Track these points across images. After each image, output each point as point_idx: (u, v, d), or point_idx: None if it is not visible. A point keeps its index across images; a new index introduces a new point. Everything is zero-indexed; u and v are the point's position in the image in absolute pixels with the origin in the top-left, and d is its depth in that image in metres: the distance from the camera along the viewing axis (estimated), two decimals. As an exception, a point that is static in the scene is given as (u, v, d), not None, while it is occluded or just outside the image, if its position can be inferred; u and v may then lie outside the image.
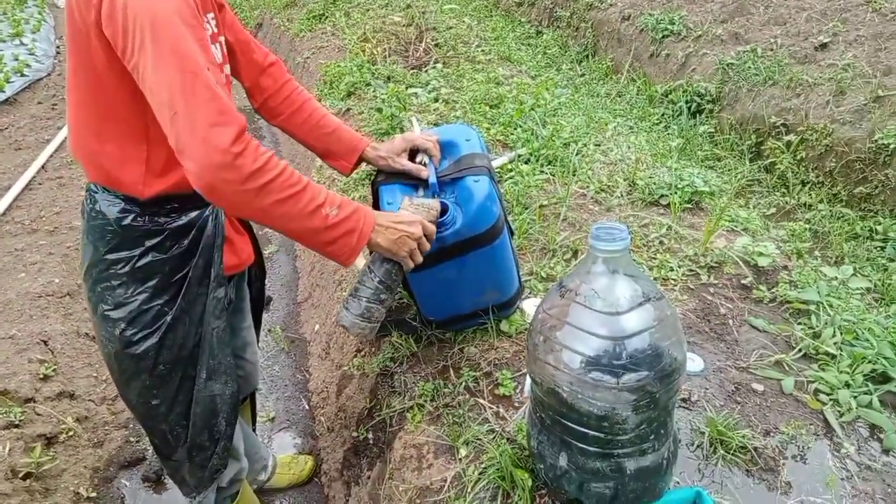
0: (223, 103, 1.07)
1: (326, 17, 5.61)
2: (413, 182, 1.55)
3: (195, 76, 1.05)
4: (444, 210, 1.47)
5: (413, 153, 1.61)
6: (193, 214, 1.33)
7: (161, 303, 1.32)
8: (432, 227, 1.41)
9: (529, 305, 1.85)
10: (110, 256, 1.29)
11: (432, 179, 1.52)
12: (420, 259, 1.39)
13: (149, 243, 1.29)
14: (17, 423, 2.04)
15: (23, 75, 6.56)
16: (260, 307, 1.80)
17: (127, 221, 1.27)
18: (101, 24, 1.09)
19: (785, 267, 2.10)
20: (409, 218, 1.36)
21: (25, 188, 3.69)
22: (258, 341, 1.86)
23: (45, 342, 2.43)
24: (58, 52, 7.78)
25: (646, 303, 1.13)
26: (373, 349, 2.06)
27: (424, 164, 1.57)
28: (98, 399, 2.36)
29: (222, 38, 1.40)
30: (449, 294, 1.65)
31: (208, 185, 1.07)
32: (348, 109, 3.78)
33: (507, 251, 1.60)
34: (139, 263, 1.29)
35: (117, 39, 1.08)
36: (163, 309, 1.32)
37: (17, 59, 6.99)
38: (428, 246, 1.40)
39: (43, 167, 4.04)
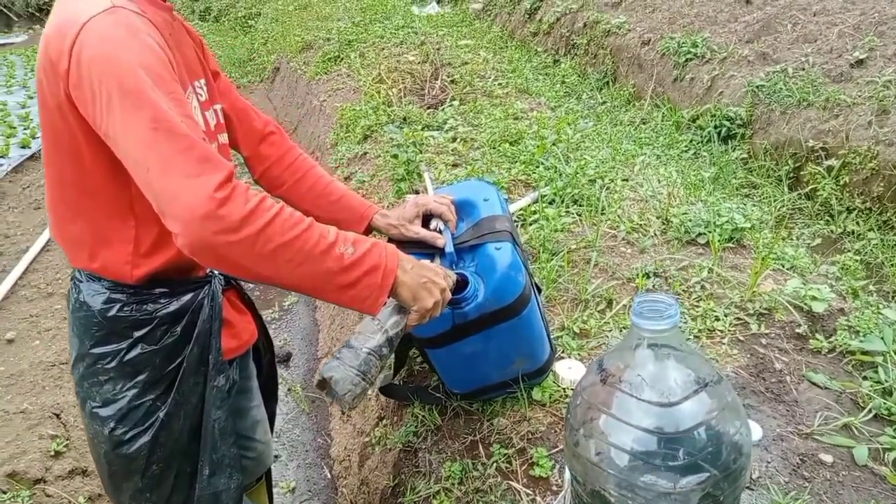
0: (203, 151, 0.95)
1: (341, 59, 5.60)
2: (429, 251, 1.42)
3: (167, 126, 0.94)
4: (464, 283, 1.33)
5: (427, 218, 1.48)
6: (186, 298, 1.21)
7: (153, 398, 1.20)
8: (448, 295, 1.26)
9: (562, 368, 1.69)
10: (96, 350, 1.18)
11: (449, 248, 1.39)
12: (438, 314, 1.21)
13: (137, 334, 1.17)
14: (23, 508, 1.94)
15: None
16: (273, 383, 1.67)
17: (112, 312, 1.16)
18: (71, 97, 1.01)
19: (841, 310, 1.91)
20: (432, 265, 1.22)
21: (43, 250, 3.66)
22: (274, 417, 1.72)
23: (57, 415, 2.33)
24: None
25: (702, 389, 0.97)
26: (395, 418, 1.92)
27: (440, 231, 1.44)
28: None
29: (217, 106, 1.30)
30: (474, 368, 1.50)
31: (197, 244, 0.92)
32: (365, 153, 3.69)
33: (535, 319, 1.45)
34: (127, 357, 1.17)
35: (87, 107, 0.99)
36: (155, 404, 1.20)
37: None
38: (444, 308, 1.24)
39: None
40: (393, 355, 1.73)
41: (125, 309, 1.16)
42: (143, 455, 1.21)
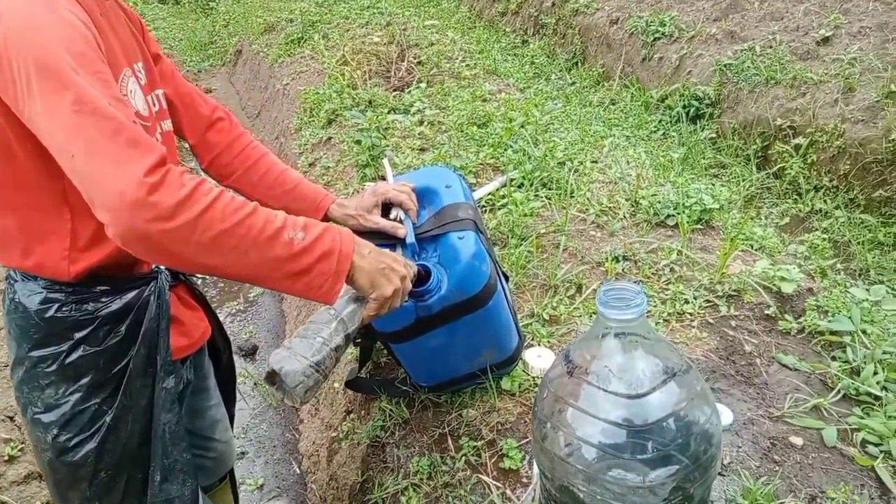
0: (132, 133, 0.87)
1: (305, 41, 5.46)
2: (389, 242, 1.36)
3: (91, 108, 0.86)
4: (427, 274, 1.28)
5: (386, 207, 1.42)
6: (131, 296, 1.14)
7: (98, 401, 1.13)
8: (409, 285, 1.20)
9: (532, 356, 1.66)
10: (35, 354, 1.11)
11: (410, 239, 1.33)
12: (399, 304, 1.15)
13: (78, 335, 1.10)
14: (-26, 517, 1.85)
15: None
16: (232, 380, 1.61)
17: (50, 313, 1.08)
18: None
19: (810, 290, 1.91)
20: (391, 252, 1.15)
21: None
22: (233, 415, 1.66)
23: (10, 418, 2.23)
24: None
25: (670, 379, 0.94)
26: (363, 412, 1.87)
27: (400, 221, 1.38)
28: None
29: (159, 91, 1.22)
30: (441, 361, 1.46)
31: (129, 233, 0.85)
32: (329, 138, 3.60)
33: (502, 309, 1.41)
34: (68, 360, 1.10)
35: (7, 89, 0.90)
36: (101, 408, 1.13)
37: None
38: (405, 299, 1.19)
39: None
40: (358, 349, 1.68)
41: (64, 309, 1.09)
42: (89, 462, 1.14)
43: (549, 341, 1.75)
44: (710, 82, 4.07)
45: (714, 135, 3.91)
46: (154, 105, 1.20)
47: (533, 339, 1.76)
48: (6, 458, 2.08)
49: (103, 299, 1.11)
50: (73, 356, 1.10)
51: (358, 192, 2.76)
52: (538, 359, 1.64)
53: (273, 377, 1.02)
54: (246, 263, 0.93)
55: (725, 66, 4.01)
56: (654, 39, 4.73)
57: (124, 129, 0.87)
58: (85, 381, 1.11)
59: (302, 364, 1.00)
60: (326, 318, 1.07)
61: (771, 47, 3.91)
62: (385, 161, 1.94)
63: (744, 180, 3.41)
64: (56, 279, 1.08)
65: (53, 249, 1.06)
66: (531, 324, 1.81)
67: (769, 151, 3.56)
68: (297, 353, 1.02)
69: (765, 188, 3.41)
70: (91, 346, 1.10)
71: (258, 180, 1.39)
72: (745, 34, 4.22)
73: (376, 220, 1.38)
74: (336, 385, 2.14)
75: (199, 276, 1.33)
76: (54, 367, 1.10)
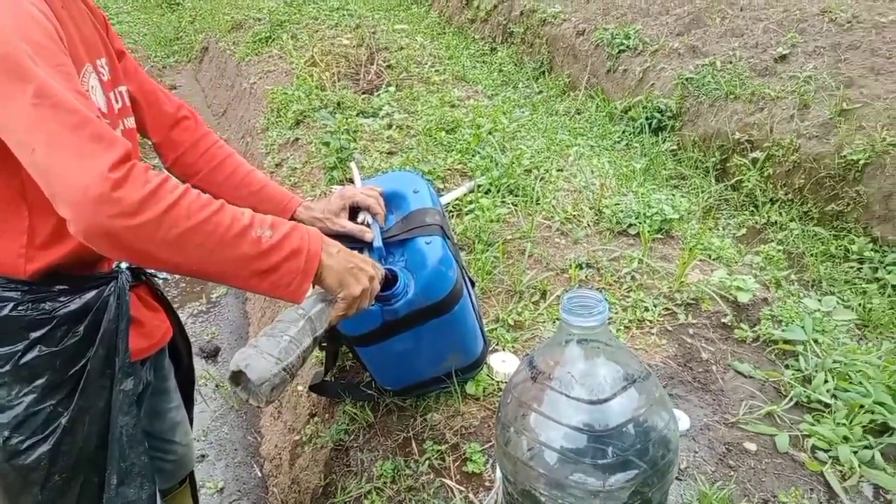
0: (96, 128, 0.86)
1: (273, 40, 5.40)
2: (356, 245, 1.36)
3: (52, 102, 0.84)
4: (394, 279, 1.28)
5: (354, 211, 1.42)
6: (90, 296, 1.11)
7: (53, 403, 1.10)
8: (377, 286, 1.20)
9: (496, 360, 1.67)
10: (-13, 354, 1.07)
11: (377, 243, 1.33)
12: (367, 305, 1.15)
13: (34, 335, 1.07)
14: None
15: None
16: (191, 385, 1.58)
17: (5, 312, 1.05)
18: None
19: (765, 300, 1.97)
20: (360, 254, 1.15)
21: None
22: (191, 418, 1.64)
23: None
24: None
25: (630, 385, 0.97)
26: (327, 416, 1.86)
27: (367, 224, 1.38)
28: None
29: (122, 88, 1.20)
30: (406, 365, 1.46)
31: (92, 229, 0.83)
32: (297, 139, 3.57)
33: (468, 314, 1.42)
34: (23, 360, 1.07)
35: None
36: (56, 410, 1.11)
37: None
38: (372, 301, 1.19)
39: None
40: (323, 352, 1.67)
41: (19, 308, 1.06)
42: (42, 465, 1.11)
43: (513, 346, 1.77)
44: (672, 95, 4.17)
45: (675, 146, 4.00)
46: (117, 102, 1.18)
47: (498, 344, 1.77)
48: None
49: (61, 299, 1.09)
50: (29, 356, 1.07)
51: (325, 194, 2.74)
52: (503, 364, 1.66)
53: (238, 377, 1.00)
54: (212, 261, 0.92)
55: (687, 79, 4.12)
56: (619, 52, 4.83)
57: (88, 122, 0.85)
58: (40, 382, 1.08)
59: (268, 362, 0.99)
60: (294, 317, 1.06)
61: (731, 63, 4.03)
62: (353, 164, 1.94)
63: (703, 192, 3.50)
64: (11, 277, 1.06)
65: (9, 247, 1.04)
66: (496, 329, 1.83)
67: (728, 164, 3.67)
68: (264, 352, 1.00)
69: (723, 200, 3.51)
70: (48, 346, 1.08)
71: (223, 180, 1.37)
72: (707, 49, 4.34)
73: (343, 224, 1.38)
74: (300, 388, 2.12)
75: (161, 276, 1.31)
76: (7, 367, 1.07)
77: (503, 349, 1.76)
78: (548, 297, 1.97)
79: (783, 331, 1.79)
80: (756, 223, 3.26)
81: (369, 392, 1.64)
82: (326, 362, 1.71)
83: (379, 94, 3.94)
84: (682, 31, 4.69)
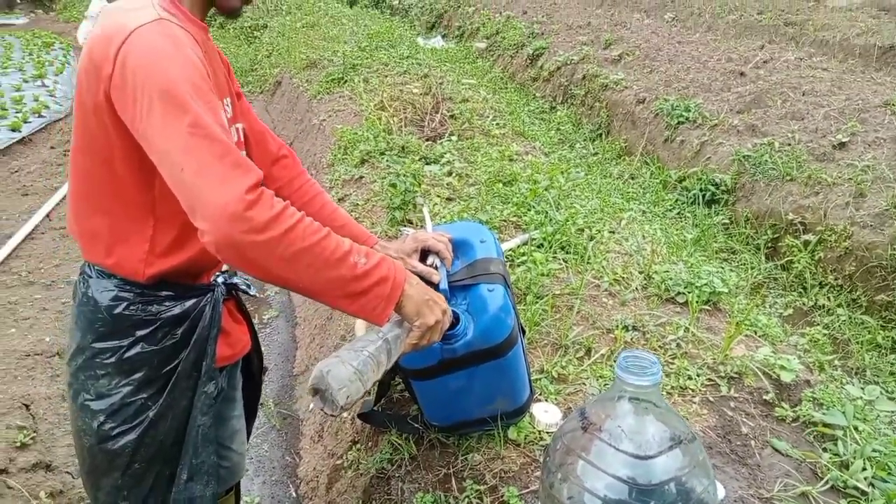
0: (236, 157, 1.01)
1: (345, 81, 5.68)
2: None
3: (204, 133, 1.00)
4: (455, 320, 1.38)
5: (424, 253, 1.53)
6: (190, 303, 1.25)
7: (145, 396, 1.23)
8: (448, 321, 1.30)
9: (539, 410, 1.74)
10: (97, 345, 1.21)
11: (443, 286, 1.44)
12: (438, 339, 1.26)
13: (139, 333, 1.21)
14: (-17, 497, 1.91)
15: (40, 116, 6.65)
16: (257, 397, 1.69)
17: (118, 310, 1.19)
18: (110, 99, 1.07)
19: (808, 382, 1.99)
20: (434, 290, 1.27)
21: (27, 237, 3.63)
22: (250, 430, 1.74)
23: (26, 406, 2.31)
24: (78, 95, 7.89)
25: (676, 446, 1.03)
26: (370, 444, 1.94)
27: (436, 267, 1.49)
28: (76, 472, 2.22)
29: (240, 125, 1.36)
30: (456, 402, 1.54)
31: (223, 241, 0.97)
32: (361, 177, 3.75)
33: (519, 361, 1.51)
34: (127, 354, 1.20)
35: (126, 109, 1.04)
36: (146, 403, 1.23)
37: (36, 100, 7.10)
38: (443, 334, 1.29)
39: (47, 216, 3.99)
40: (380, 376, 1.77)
41: (131, 308, 1.19)
42: (127, 452, 1.23)
43: (556, 398, 1.83)
44: (728, 170, 4.23)
45: (727, 221, 4.04)
46: (235, 137, 1.33)
47: (541, 395, 1.84)
48: (18, 444, 2.16)
49: (166, 303, 1.22)
50: (132, 352, 1.20)
51: (387, 233, 2.88)
52: (545, 413, 1.72)
53: (318, 383, 1.10)
54: (316, 279, 1.05)
55: (744, 157, 4.18)
56: (678, 123, 4.93)
57: (230, 152, 1.00)
58: (137, 376, 1.21)
59: (347, 371, 1.09)
60: (373, 338, 1.18)
61: (789, 145, 4.08)
62: (424, 210, 2.06)
63: (752, 268, 3.53)
64: (129, 279, 1.20)
65: (134, 252, 1.18)
66: (540, 379, 1.90)
67: (779, 243, 3.69)
68: (345, 361, 1.11)
69: (772, 278, 3.52)
70: (149, 344, 1.21)
71: (313, 214, 1.49)
72: (766, 129, 4.40)
73: (414, 264, 1.49)
74: (345, 415, 2.21)
75: (252, 292, 1.45)
76: (113, 359, 1.20)
77: (546, 400, 1.82)
78: (592, 355, 2.03)
79: (824, 414, 1.81)
80: (803, 305, 3.26)
81: (415, 425, 1.72)
82: (378, 392, 1.80)
83: (441, 142, 4.12)
84: (743, 109, 4.78)
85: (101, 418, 1.22)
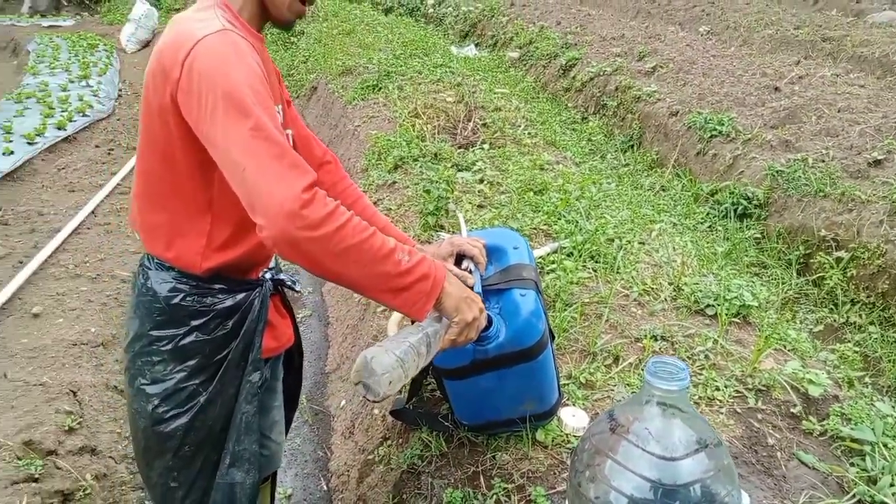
0: (294, 158, 1.09)
1: (380, 88, 5.78)
2: None
3: (264, 135, 1.08)
4: (488, 322, 1.44)
5: (459, 258, 1.60)
6: (241, 296, 1.33)
7: (197, 382, 1.31)
8: (484, 320, 1.36)
9: (567, 414, 1.78)
10: (155, 333, 1.29)
11: (477, 289, 1.49)
12: (473, 337, 1.32)
13: (194, 323, 1.29)
14: (36, 476, 2.01)
15: (84, 115, 6.86)
16: (298, 389, 1.77)
17: (176, 301, 1.27)
18: (176, 102, 1.15)
19: (836, 397, 2.00)
20: (470, 290, 1.33)
21: (74, 232, 3.78)
22: (290, 420, 1.81)
23: (73, 393, 2.42)
24: (119, 95, 8.14)
25: (702, 449, 1.07)
26: (400, 441, 2.00)
27: (470, 271, 1.55)
28: (118, 457, 2.32)
29: (289, 131, 1.43)
30: (486, 402, 1.60)
31: (280, 236, 1.04)
32: (394, 182, 3.83)
33: (549, 364, 1.56)
34: (182, 342, 1.29)
35: (192, 111, 1.12)
36: (198, 389, 1.31)
37: (81, 100, 7.33)
38: (479, 332, 1.35)
39: (93, 212, 4.14)
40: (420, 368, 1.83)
41: (188, 299, 1.28)
42: (178, 435, 1.31)
43: (584, 403, 1.87)
44: (761, 185, 4.22)
45: (759, 235, 4.03)
46: (285, 141, 1.41)
47: (569, 400, 1.88)
48: (66, 428, 2.26)
49: (219, 296, 1.30)
50: (187, 340, 1.28)
51: (419, 237, 2.95)
52: (573, 418, 1.77)
53: (361, 371, 1.17)
54: (363, 274, 1.12)
55: (777, 171, 4.17)
56: (711, 136, 4.93)
57: (288, 153, 1.08)
58: (191, 363, 1.30)
59: (390, 357, 1.16)
60: (414, 330, 1.25)
61: (823, 161, 4.06)
62: (459, 216, 2.13)
63: (783, 283, 3.52)
64: (187, 271, 1.28)
65: (192, 245, 1.27)
66: (568, 385, 1.94)
67: (810, 259, 3.67)
68: (388, 349, 1.18)
69: (803, 294, 3.51)
70: (202, 334, 1.29)
71: None
72: (800, 145, 4.38)
73: (449, 268, 1.55)
74: (375, 411, 2.28)
75: (297, 288, 1.53)
76: (169, 346, 1.28)
77: (573, 404, 1.86)
78: (620, 363, 2.07)
79: (852, 429, 1.81)
80: (834, 321, 3.24)
81: (445, 423, 1.78)
82: (410, 390, 1.86)
83: (473, 150, 4.18)
84: (777, 125, 4.76)
85: (156, 402, 1.30)
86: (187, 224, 1.27)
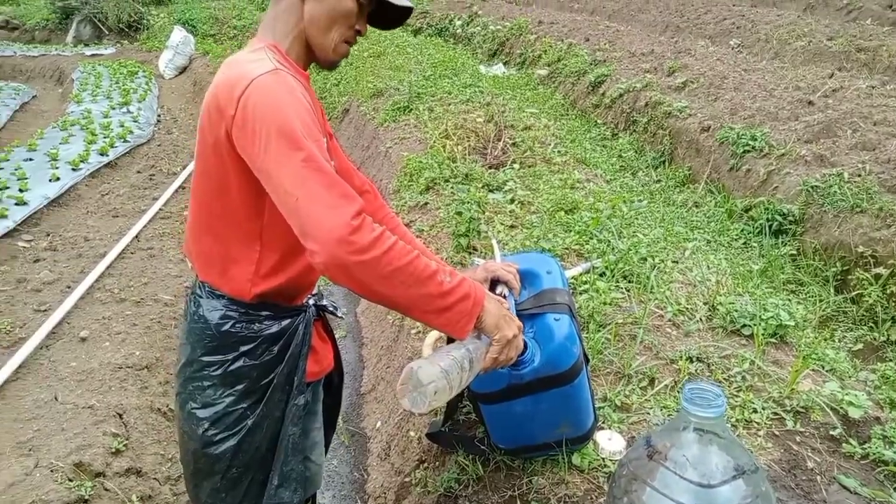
0: (343, 188, 1.15)
1: (410, 110, 5.87)
2: None
3: (315, 166, 1.14)
4: (523, 348, 1.47)
5: (493, 283, 1.63)
6: (286, 322, 1.38)
7: (245, 406, 1.36)
8: (521, 340, 1.39)
9: (603, 438, 1.79)
10: (205, 358, 1.35)
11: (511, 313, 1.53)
12: (513, 356, 1.36)
13: (243, 349, 1.35)
14: (86, 498, 2.08)
15: (125, 141, 7.10)
16: (337, 410, 1.81)
17: (226, 327, 1.33)
18: (231, 137, 1.21)
19: (877, 419, 1.97)
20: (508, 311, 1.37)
21: (118, 257, 3.91)
22: (329, 441, 1.85)
23: (120, 415, 2.50)
24: (158, 120, 8.40)
25: (740, 476, 1.08)
26: (437, 464, 2.02)
27: (504, 296, 1.58)
28: (162, 478, 2.39)
29: (332, 163, 1.49)
30: (522, 426, 1.62)
31: (331, 261, 1.10)
32: (426, 203, 3.89)
33: (584, 388, 1.57)
34: (231, 367, 1.34)
35: (246, 146, 1.19)
36: (245, 412, 1.36)
37: (122, 126, 7.59)
38: (519, 350, 1.38)
39: (136, 237, 4.28)
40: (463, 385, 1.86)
41: (237, 326, 1.34)
42: (226, 457, 1.36)
43: (619, 427, 1.88)
44: (796, 200, 4.17)
45: (795, 252, 3.97)
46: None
47: (605, 423, 1.89)
48: (113, 450, 2.34)
49: (266, 322, 1.36)
50: (236, 365, 1.34)
51: (451, 260, 2.99)
52: (609, 441, 1.78)
53: (406, 384, 1.20)
54: (407, 295, 1.18)
55: (812, 187, 4.11)
56: (744, 151, 4.88)
57: (337, 183, 1.15)
58: (239, 387, 1.35)
59: (435, 369, 1.21)
60: (457, 346, 1.29)
61: (860, 176, 4.00)
62: (493, 241, 2.16)
63: (821, 301, 3.46)
64: (237, 298, 1.34)
65: (242, 272, 1.33)
66: (603, 408, 1.95)
67: (848, 276, 3.61)
68: (434, 362, 1.22)
69: (841, 312, 3.45)
70: (251, 359, 1.35)
71: None
72: (835, 159, 4.32)
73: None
74: (411, 434, 2.31)
75: (340, 313, 1.59)
76: (219, 371, 1.34)
77: (609, 428, 1.87)
78: (656, 385, 2.07)
79: (895, 453, 1.79)
80: (874, 340, 3.18)
81: (482, 447, 1.80)
82: (446, 413, 1.89)
83: (504, 170, 4.22)
84: (811, 139, 4.70)
85: (206, 425, 1.35)
86: (239, 252, 1.33)
